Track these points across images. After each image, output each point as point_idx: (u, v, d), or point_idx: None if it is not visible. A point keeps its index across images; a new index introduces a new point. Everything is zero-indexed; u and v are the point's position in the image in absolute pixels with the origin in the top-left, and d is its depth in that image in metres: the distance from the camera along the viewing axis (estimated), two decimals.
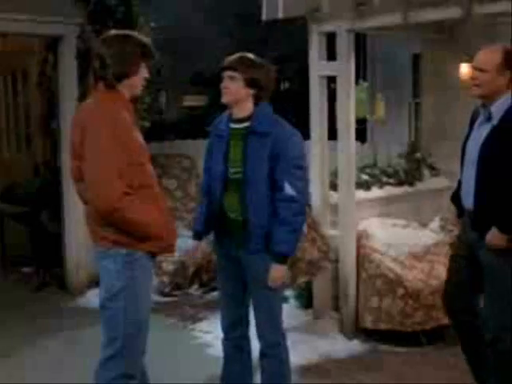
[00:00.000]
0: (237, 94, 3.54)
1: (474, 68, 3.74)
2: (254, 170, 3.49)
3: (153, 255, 3.23)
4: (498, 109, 3.65)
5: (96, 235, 3.19)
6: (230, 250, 3.66)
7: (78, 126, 3.13)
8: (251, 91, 3.55)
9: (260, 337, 3.68)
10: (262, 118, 3.56)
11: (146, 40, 3.28)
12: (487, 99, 3.70)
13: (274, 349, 3.66)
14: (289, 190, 3.46)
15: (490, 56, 3.69)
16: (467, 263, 3.89)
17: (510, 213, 3.58)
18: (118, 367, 3.16)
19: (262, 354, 3.70)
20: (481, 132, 3.73)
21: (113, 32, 3.29)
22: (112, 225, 3.08)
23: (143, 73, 3.24)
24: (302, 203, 3.52)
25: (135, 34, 3.32)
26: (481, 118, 3.77)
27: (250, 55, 3.61)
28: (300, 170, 3.52)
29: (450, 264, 4.07)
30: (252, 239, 3.53)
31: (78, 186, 3.20)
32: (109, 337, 3.17)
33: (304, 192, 3.58)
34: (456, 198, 3.99)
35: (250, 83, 3.53)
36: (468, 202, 3.80)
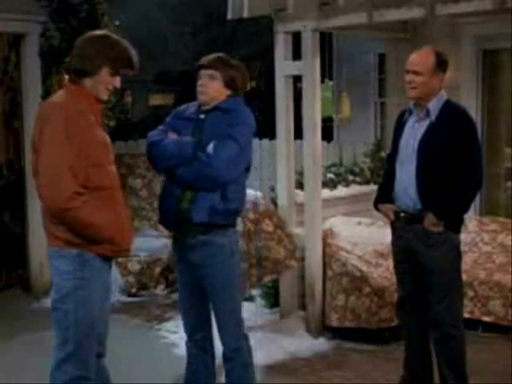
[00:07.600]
0: (215, 93, 3.55)
1: (409, 72, 3.83)
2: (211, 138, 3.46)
3: (106, 257, 3.16)
4: (434, 106, 3.82)
5: (49, 234, 3.13)
6: (187, 254, 3.60)
7: (39, 124, 3.08)
8: (228, 92, 3.57)
9: (222, 342, 3.65)
10: (228, 101, 3.58)
11: (126, 50, 3.15)
12: (423, 100, 3.84)
13: (237, 353, 3.63)
14: (210, 148, 3.43)
15: (423, 59, 3.82)
16: (411, 271, 3.96)
17: (445, 201, 3.73)
18: (71, 369, 3.07)
19: (226, 358, 3.66)
20: (416, 130, 3.87)
21: (98, 32, 3.26)
22: (63, 224, 3.02)
23: (108, 78, 3.11)
24: (212, 165, 3.41)
25: (116, 38, 3.19)
26: (416, 117, 3.90)
27: (226, 56, 3.63)
28: (232, 140, 3.44)
29: (397, 276, 4.14)
30: (197, 208, 3.45)
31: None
32: (60, 339, 3.09)
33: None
34: (385, 201, 4.03)
35: (229, 84, 3.55)
36: (405, 200, 3.88)
